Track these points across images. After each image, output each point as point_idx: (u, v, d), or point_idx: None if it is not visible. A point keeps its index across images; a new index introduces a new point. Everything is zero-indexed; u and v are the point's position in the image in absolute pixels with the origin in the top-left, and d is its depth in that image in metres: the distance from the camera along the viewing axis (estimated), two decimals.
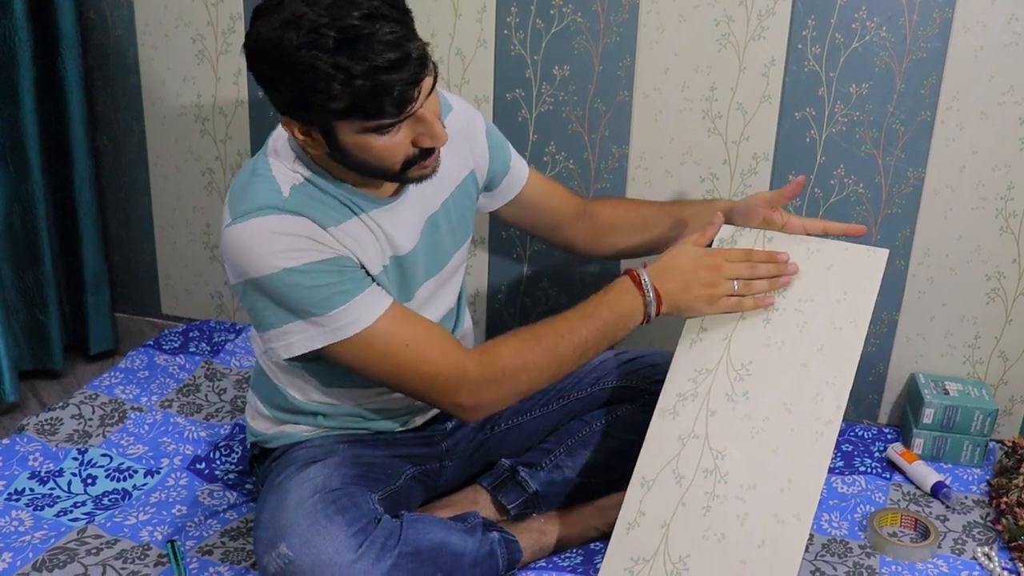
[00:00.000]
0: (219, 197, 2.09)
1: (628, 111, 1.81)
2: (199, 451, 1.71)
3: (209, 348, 2.04)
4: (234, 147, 2.04)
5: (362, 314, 1.28)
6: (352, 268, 1.30)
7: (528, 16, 1.79)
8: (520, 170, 1.58)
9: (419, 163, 1.27)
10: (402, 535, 1.28)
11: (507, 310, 2.01)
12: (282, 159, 1.31)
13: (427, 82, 1.20)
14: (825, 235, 1.46)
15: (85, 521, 1.50)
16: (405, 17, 1.19)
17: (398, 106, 1.18)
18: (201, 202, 2.11)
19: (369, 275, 1.33)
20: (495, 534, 1.41)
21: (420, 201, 1.40)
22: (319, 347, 1.29)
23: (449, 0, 1.81)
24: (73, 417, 1.76)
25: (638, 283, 1.38)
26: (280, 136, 1.35)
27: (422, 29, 1.21)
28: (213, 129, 2.04)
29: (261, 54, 1.18)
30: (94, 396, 1.83)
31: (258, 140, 2.02)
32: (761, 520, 1.31)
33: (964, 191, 1.72)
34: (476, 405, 1.35)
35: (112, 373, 1.92)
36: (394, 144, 1.23)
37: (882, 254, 1.41)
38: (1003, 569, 1.47)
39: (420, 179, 1.31)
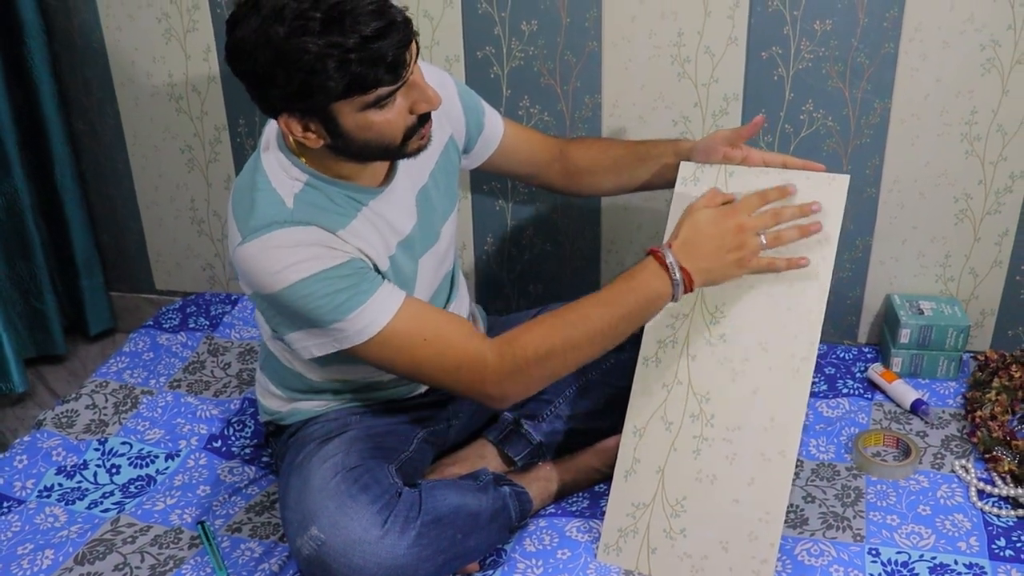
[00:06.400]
0: (200, 173, 2.11)
1: (598, 61, 1.83)
2: (213, 429, 1.77)
3: (208, 322, 2.09)
4: (211, 122, 2.05)
5: (378, 315, 1.30)
6: (364, 269, 1.32)
7: None
8: (494, 127, 1.59)
9: (418, 132, 1.30)
10: (422, 505, 1.36)
11: (495, 260, 2.06)
12: (277, 161, 1.34)
13: (413, 46, 1.23)
14: (784, 169, 1.45)
15: (116, 511, 1.57)
16: None
17: (393, 72, 1.21)
18: (183, 179, 2.12)
19: (380, 273, 1.36)
20: (506, 488, 1.49)
21: (409, 179, 1.44)
22: (338, 350, 1.33)
23: None
24: (88, 408, 1.82)
25: (664, 265, 1.35)
26: (272, 134, 1.37)
27: None
28: (188, 107, 2.04)
29: (249, 54, 1.20)
30: (104, 384, 1.88)
31: (234, 114, 2.03)
32: (749, 459, 1.38)
33: (929, 118, 1.76)
34: (502, 395, 1.37)
35: (118, 358, 1.97)
36: (393, 116, 1.26)
37: (843, 180, 1.40)
38: (979, 479, 1.57)
39: (419, 150, 1.33)
